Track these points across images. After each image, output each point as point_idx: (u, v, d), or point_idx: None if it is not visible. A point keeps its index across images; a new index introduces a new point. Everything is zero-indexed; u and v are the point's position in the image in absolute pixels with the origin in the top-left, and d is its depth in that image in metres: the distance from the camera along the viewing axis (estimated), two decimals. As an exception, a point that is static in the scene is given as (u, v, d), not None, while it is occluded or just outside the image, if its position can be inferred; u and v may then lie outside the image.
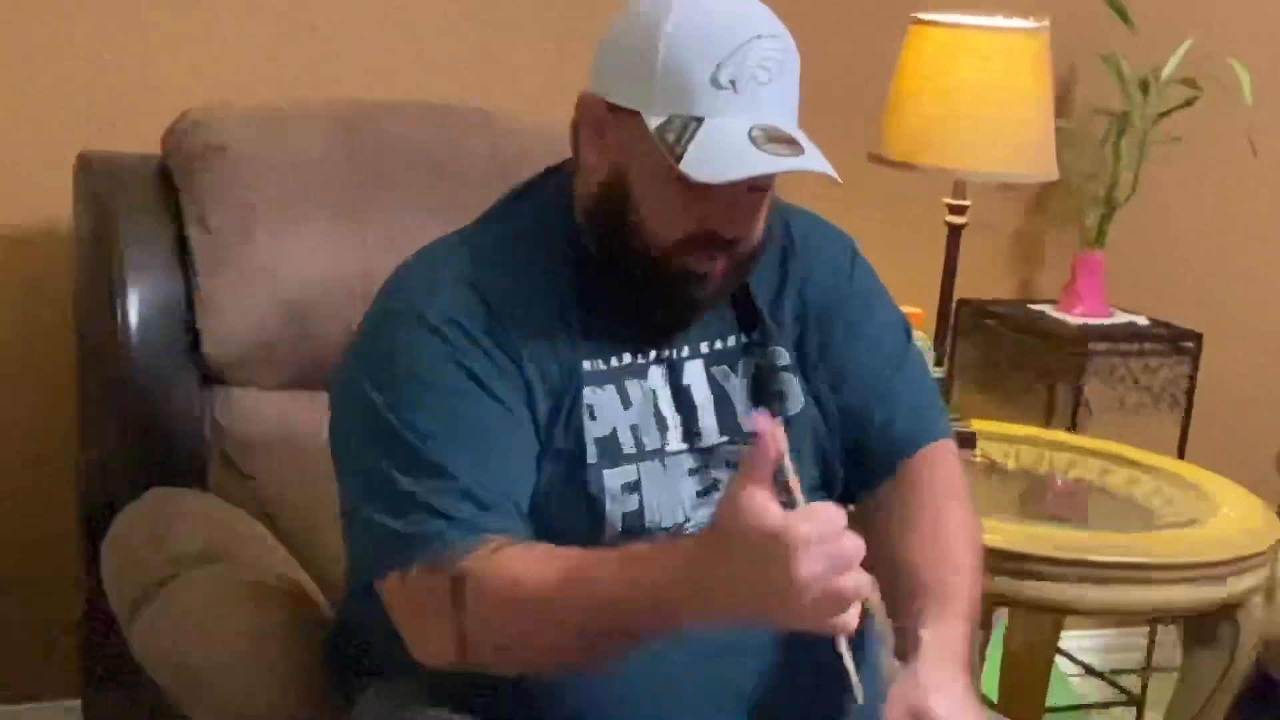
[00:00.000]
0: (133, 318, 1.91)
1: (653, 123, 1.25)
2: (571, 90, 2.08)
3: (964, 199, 2.50)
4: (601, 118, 1.32)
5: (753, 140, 1.22)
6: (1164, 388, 2.88)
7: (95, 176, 2.04)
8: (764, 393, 1.43)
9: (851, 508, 1.45)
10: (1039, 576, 2.02)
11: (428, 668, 1.30)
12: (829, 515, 1.04)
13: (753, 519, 1.02)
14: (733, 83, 1.24)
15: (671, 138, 1.23)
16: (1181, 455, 2.74)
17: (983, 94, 2.38)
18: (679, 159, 1.21)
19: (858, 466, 1.48)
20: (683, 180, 1.22)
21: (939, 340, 2.57)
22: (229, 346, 1.93)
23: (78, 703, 2.25)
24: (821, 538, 1.02)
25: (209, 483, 1.91)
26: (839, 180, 1.24)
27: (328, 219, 1.98)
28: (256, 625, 1.51)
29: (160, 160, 2.03)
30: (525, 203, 1.45)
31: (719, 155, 1.22)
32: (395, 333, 1.33)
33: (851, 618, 1.07)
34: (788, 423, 1.38)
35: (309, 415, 1.89)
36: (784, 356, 1.44)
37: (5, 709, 2.35)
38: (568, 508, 1.33)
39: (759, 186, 1.29)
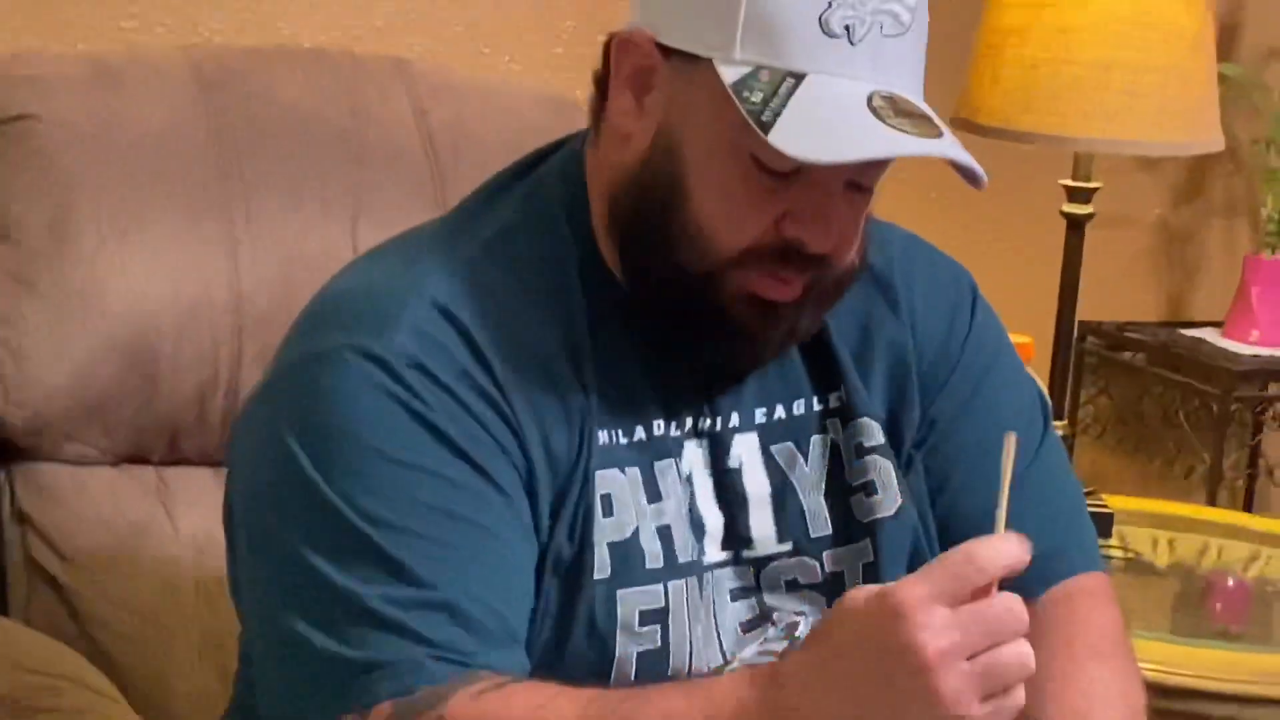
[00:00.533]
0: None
1: (730, 75, 1.24)
2: (516, 34, 2.01)
3: (1089, 181, 2.50)
4: (650, 66, 1.30)
5: (874, 111, 1.21)
6: None
7: None
8: (844, 483, 1.41)
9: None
10: (1201, 716, 2.03)
11: None
12: (1007, 597, 1.04)
13: (867, 593, 1.04)
14: (848, 29, 1.23)
15: (759, 98, 1.22)
16: None
17: (1112, 35, 2.38)
18: (767, 128, 1.19)
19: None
20: (760, 160, 1.23)
21: (1055, 380, 2.57)
22: (38, 407, 1.88)
23: None
24: (983, 618, 1.02)
25: (9, 601, 1.88)
26: (985, 181, 1.22)
27: (182, 219, 1.95)
28: None
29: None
30: (515, 195, 1.42)
31: (827, 127, 1.20)
32: (336, 379, 1.28)
33: None
34: (878, 526, 1.42)
35: (155, 501, 1.91)
36: (875, 433, 1.43)
37: None
38: (560, 640, 1.32)
39: (863, 185, 1.28)
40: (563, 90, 2.14)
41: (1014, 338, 1.67)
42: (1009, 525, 1.19)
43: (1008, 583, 1.27)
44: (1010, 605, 1.03)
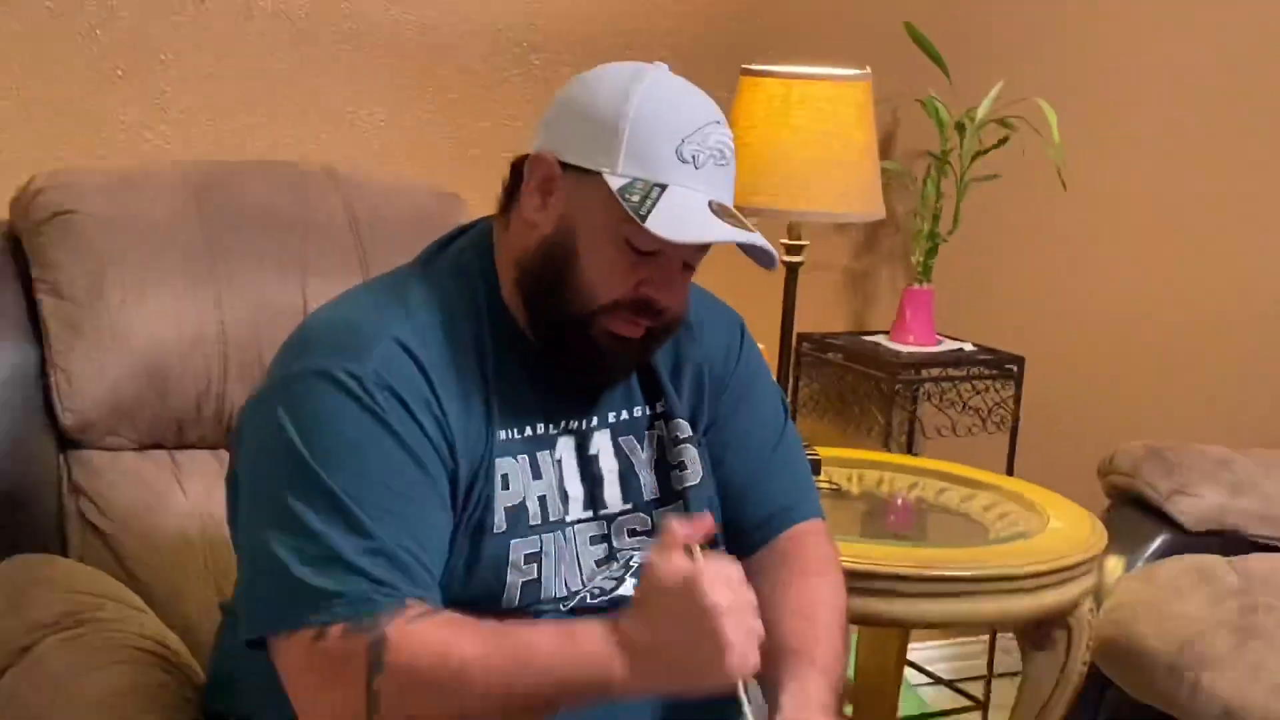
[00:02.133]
0: (-17, 386, 1.87)
1: (615, 183, 1.26)
2: (412, 148, 2.03)
3: (800, 239, 2.52)
4: (553, 176, 1.31)
5: (714, 211, 1.26)
6: (991, 409, 2.92)
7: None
8: (666, 464, 1.44)
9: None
10: (884, 594, 2.05)
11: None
12: (731, 564, 1.15)
13: (668, 569, 1.11)
14: (694, 158, 1.28)
15: (635, 199, 1.25)
16: (1011, 472, 2.78)
17: (811, 140, 2.40)
18: (644, 219, 1.23)
19: (734, 536, 1.48)
20: (631, 242, 1.26)
21: (781, 373, 2.58)
22: (85, 411, 1.85)
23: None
24: (728, 579, 1.12)
25: (69, 547, 1.84)
26: (780, 264, 1.29)
27: (181, 280, 1.91)
28: (121, 688, 1.44)
29: (7, 227, 1.97)
30: (440, 267, 1.42)
31: (685, 219, 1.25)
32: (325, 391, 1.28)
33: (755, 657, 1.14)
34: (688, 492, 1.44)
35: (170, 475, 1.89)
36: (685, 429, 1.45)
37: None
38: (470, 574, 1.32)
39: (690, 264, 1.33)
40: (447, 188, 2.11)
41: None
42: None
43: (767, 523, 1.50)
44: (738, 572, 1.15)
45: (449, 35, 2.45)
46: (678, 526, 1.16)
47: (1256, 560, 2.49)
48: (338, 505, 1.22)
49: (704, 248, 1.32)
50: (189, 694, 1.46)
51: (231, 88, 2.35)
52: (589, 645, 1.15)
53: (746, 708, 1.18)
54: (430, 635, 1.18)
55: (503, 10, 2.47)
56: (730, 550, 1.45)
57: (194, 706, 1.45)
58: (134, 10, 2.27)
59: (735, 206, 2.37)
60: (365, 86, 2.43)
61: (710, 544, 1.41)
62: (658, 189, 1.25)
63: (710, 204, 1.27)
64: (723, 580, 1.12)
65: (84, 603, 1.62)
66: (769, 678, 1.30)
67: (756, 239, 1.28)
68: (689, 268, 1.34)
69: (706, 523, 1.20)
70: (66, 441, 1.87)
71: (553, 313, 1.33)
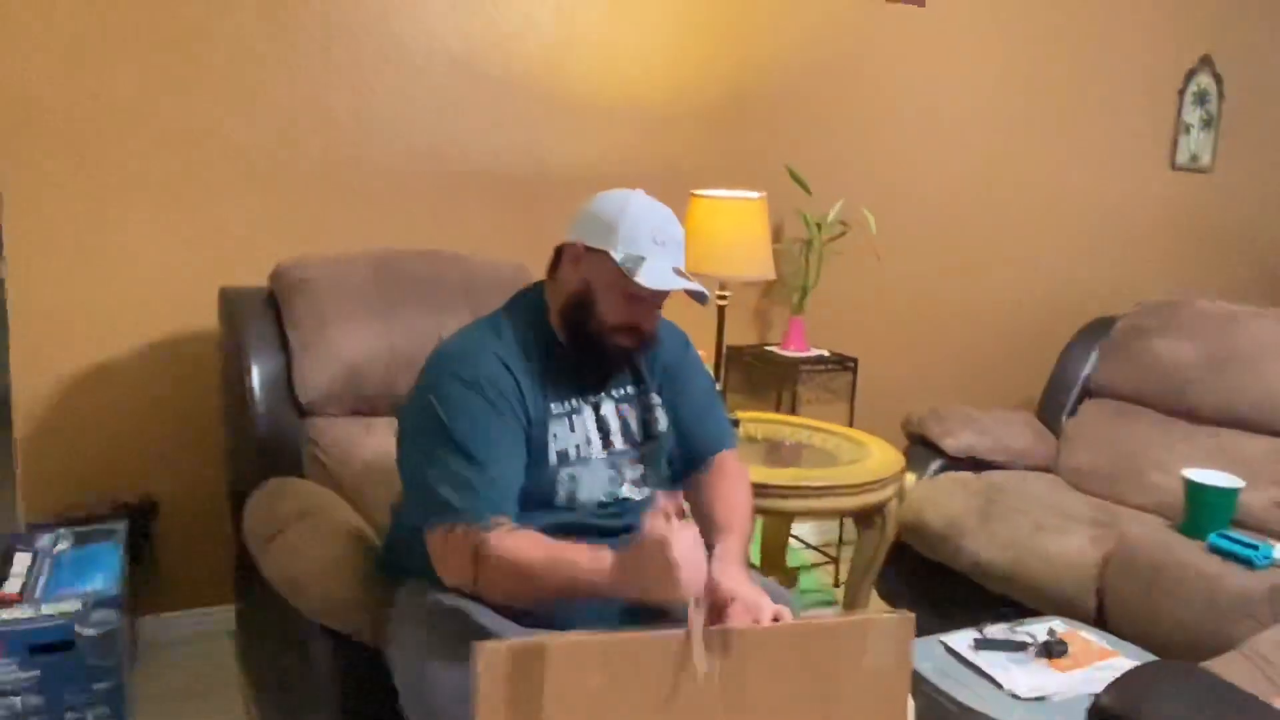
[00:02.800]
0: (256, 380, 1.88)
1: (617, 256, 1.30)
2: (506, 243, 2.03)
3: (726, 291, 2.53)
4: (580, 253, 1.34)
5: (675, 272, 1.31)
6: (840, 389, 2.93)
7: (230, 301, 2.00)
8: (646, 419, 1.44)
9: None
10: (776, 497, 2.05)
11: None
12: (690, 532, 1.10)
13: (653, 529, 1.09)
14: (663, 244, 1.31)
15: (630, 266, 1.29)
16: (851, 424, 2.77)
17: (732, 234, 2.41)
18: (634, 275, 1.28)
19: (685, 461, 1.48)
20: (628, 290, 1.29)
21: (716, 369, 2.59)
22: (314, 394, 1.89)
23: (231, 606, 2.20)
24: (687, 541, 1.09)
25: (304, 472, 1.87)
26: (715, 303, 1.32)
27: (366, 319, 1.93)
28: (334, 552, 1.49)
29: (268, 289, 2.00)
30: (516, 309, 1.42)
31: (659, 277, 1.29)
32: (456, 385, 1.30)
33: (699, 588, 1.10)
34: (659, 435, 1.44)
35: (362, 430, 1.89)
36: (655, 400, 1.45)
37: (186, 615, 2.29)
38: (536, 489, 1.32)
39: (657, 304, 1.35)
40: (518, 261, 2.12)
41: (700, 351, 1.73)
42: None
43: (705, 450, 1.47)
44: (694, 534, 1.11)
45: (510, 177, 2.46)
46: (664, 502, 1.13)
47: (991, 474, 2.49)
48: (465, 451, 1.25)
49: (666, 294, 1.32)
50: (373, 559, 1.49)
51: (399, 208, 2.36)
52: (602, 566, 1.15)
53: (693, 613, 1.11)
54: (510, 546, 1.20)
55: (546, 163, 2.49)
56: (684, 467, 1.48)
57: (375, 567, 1.47)
58: (349, 149, 2.29)
59: (688, 270, 2.42)
60: (476, 205, 2.43)
61: (671, 471, 1.48)
62: (641, 259, 1.29)
63: (673, 267, 1.31)
64: (684, 542, 1.10)
65: (314, 504, 1.67)
66: (707, 542, 1.24)
67: (698, 286, 1.32)
68: (658, 306, 1.36)
69: (678, 501, 1.14)
70: (303, 412, 1.89)
71: (582, 333, 1.35)
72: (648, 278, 1.28)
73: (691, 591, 1.10)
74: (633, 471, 1.41)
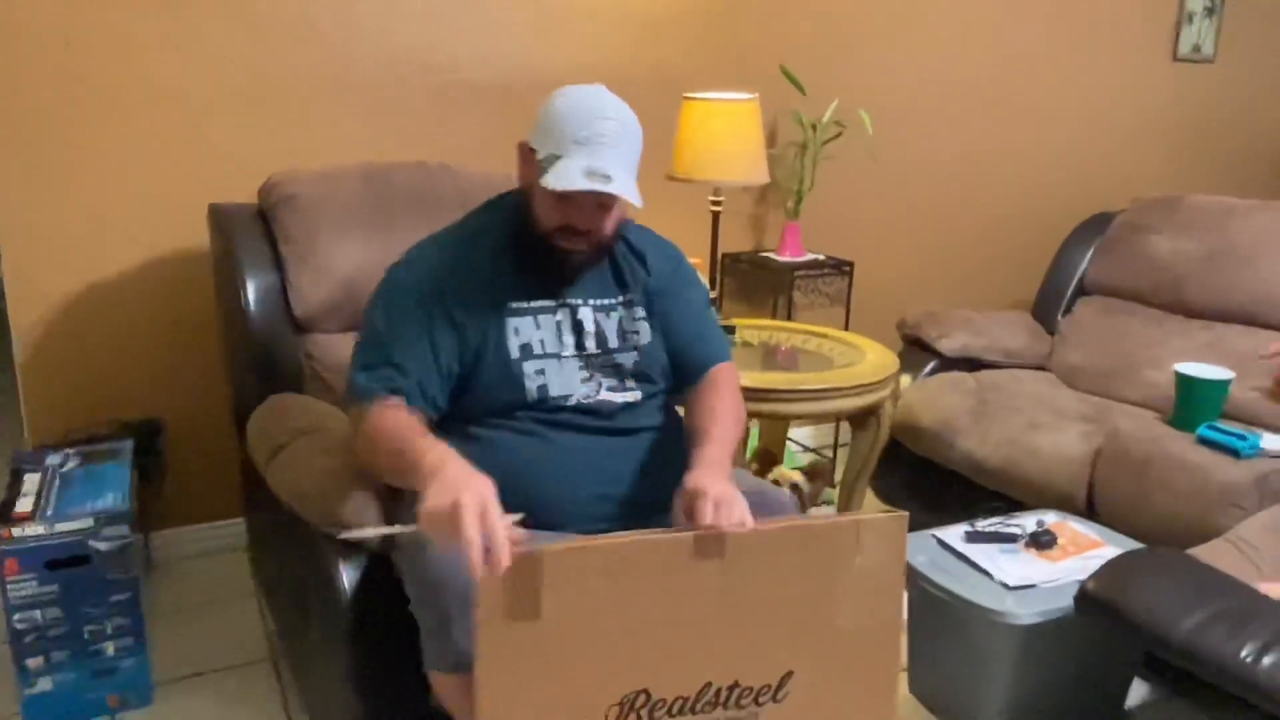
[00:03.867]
0: (252, 298, 1.87)
1: (539, 156, 1.28)
2: (497, 153, 2.02)
3: (720, 197, 2.51)
4: (525, 153, 1.33)
5: (582, 172, 1.23)
6: (835, 293, 2.93)
7: (221, 218, 1.98)
8: (625, 328, 1.42)
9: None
10: (775, 400, 2.06)
11: None
12: (503, 534, 0.98)
13: (462, 499, 0.99)
14: (584, 141, 1.25)
15: (545, 165, 1.26)
16: (846, 328, 2.77)
17: (725, 137, 2.37)
18: (542, 178, 1.24)
19: (680, 374, 1.46)
20: (546, 188, 1.24)
21: (712, 277, 2.58)
22: (310, 310, 1.89)
23: (241, 520, 2.24)
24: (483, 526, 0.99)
25: (304, 389, 1.87)
26: (638, 203, 1.26)
27: (359, 233, 1.92)
28: (334, 465, 1.48)
29: (258, 206, 1.98)
30: (492, 208, 1.45)
31: (567, 177, 1.23)
32: (386, 284, 1.37)
33: (478, 567, 0.97)
34: (642, 345, 1.42)
35: (350, 343, 1.88)
36: (640, 310, 1.44)
37: (197, 529, 2.33)
38: (502, 385, 1.34)
39: (603, 204, 1.30)
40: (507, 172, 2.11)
41: (694, 259, 1.70)
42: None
43: (700, 363, 1.45)
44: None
45: (499, 85, 2.42)
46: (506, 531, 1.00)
47: (985, 374, 2.50)
48: (376, 340, 1.32)
49: (605, 196, 1.28)
50: None
51: (388, 120, 2.33)
52: (427, 466, 1.09)
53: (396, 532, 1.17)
54: (375, 418, 1.25)
55: (536, 70, 2.45)
56: (678, 380, 1.47)
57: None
58: (335, 61, 2.24)
59: (680, 177, 2.35)
60: (464, 118, 2.40)
61: (664, 385, 1.45)
62: (557, 158, 1.25)
63: (584, 167, 1.23)
64: (477, 526, 0.98)
65: (317, 418, 1.67)
66: (691, 445, 1.29)
67: (605, 188, 1.22)
68: (604, 207, 1.31)
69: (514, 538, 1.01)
70: (299, 327, 1.89)
71: (532, 236, 1.35)
72: (555, 178, 1.23)
73: (468, 561, 0.99)
74: (610, 377, 1.40)
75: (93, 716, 1.73)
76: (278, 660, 1.91)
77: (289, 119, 2.22)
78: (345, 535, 1.18)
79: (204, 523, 2.32)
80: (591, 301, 1.41)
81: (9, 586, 1.64)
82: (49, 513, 1.69)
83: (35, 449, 2.01)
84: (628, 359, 1.41)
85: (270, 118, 2.20)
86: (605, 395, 1.38)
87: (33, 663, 1.68)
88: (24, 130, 2.00)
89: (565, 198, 1.28)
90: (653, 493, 1.31)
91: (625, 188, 1.24)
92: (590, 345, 1.39)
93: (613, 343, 1.40)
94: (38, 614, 1.67)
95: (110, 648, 1.73)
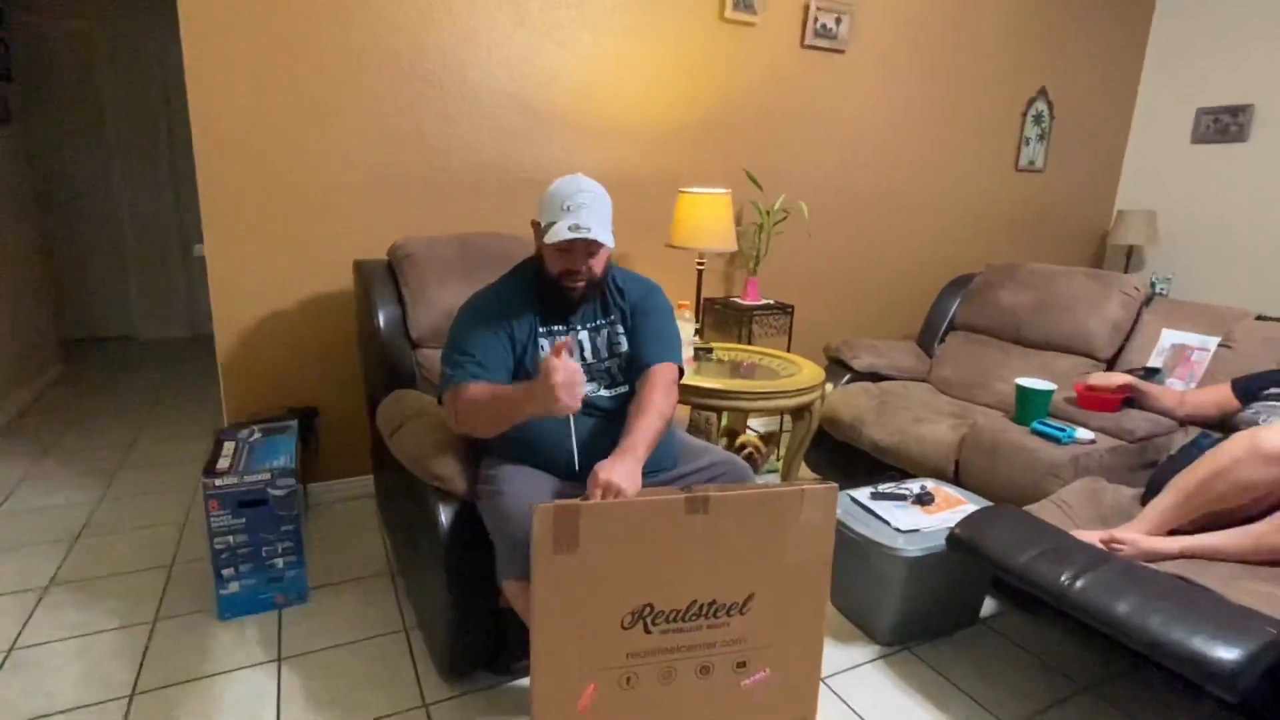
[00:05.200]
0: (382, 323, 1.87)
1: (542, 224, 1.27)
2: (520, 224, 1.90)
3: (703, 259, 2.50)
4: (535, 226, 1.31)
5: (569, 229, 1.23)
6: (781, 326, 2.84)
7: (361, 268, 1.98)
8: (611, 341, 1.39)
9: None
10: (738, 399, 2.01)
11: (509, 445, 1.30)
12: (571, 365, 1.10)
13: (545, 362, 1.10)
14: (569, 209, 1.24)
15: (545, 229, 1.25)
16: (789, 351, 2.74)
17: (707, 218, 2.35)
18: (544, 236, 1.25)
19: (631, 369, 1.39)
20: (553, 246, 1.25)
21: (697, 313, 2.55)
22: (421, 332, 1.88)
23: (370, 476, 2.23)
24: (565, 370, 1.08)
25: (417, 387, 1.86)
26: (611, 244, 1.24)
27: (454, 281, 1.92)
28: (442, 437, 1.48)
29: (386, 261, 1.98)
30: (524, 266, 1.40)
31: (557, 234, 1.23)
32: (464, 310, 1.34)
33: (576, 404, 1.09)
34: (623, 354, 1.38)
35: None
36: (620, 329, 1.40)
37: (341, 482, 2.31)
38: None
39: (587, 250, 1.27)
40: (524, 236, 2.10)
41: (683, 302, 1.68)
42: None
43: (644, 363, 1.34)
44: (574, 365, 1.10)
45: (551, 180, 2.41)
46: (556, 343, 1.13)
47: (885, 384, 2.44)
48: (460, 345, 1.29)
49: (591, 245, 1.25)
50: (469, 443, 1.44)
51: (475, 204, 2.29)
52: (519, 395, 1.15)
53: (571, 427, 1.18)
54: (474, 390, 1.23)
55: (577, 169, 2.41)
56: (630, 373, 1.37)
57: (470, 449, 1.43)
58: (439, 163, 2.23)
59: (676, 246, 2.30)
60: (525, 203, 2.36)
61: (624, 377, 1.38)
62: (552, 223, 1.24)
63: (570, 225, 1.22)
64: (561, 371, 1.08)
65: (425, 406, 1.66)
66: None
67: (581, 234, 1.20)
68: (590, 253, 1.27)
69: (568, 343, 1.16)
70: (414, 344, 1.88)
71: (547, 280, 1.32)
72: (550, 235, 1.23)
73: (565, 406, 1.09)
74: (603, 378, 1.37)
75: (265, 609, 1.74)
76: (394, 574, 1.91)
77: (408, 202, 2.22)
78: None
79: (345, 478, 2.31)
80: (588, 325, 1.38)
81: (212, 519, 1.65)
82: (240, 468, 1.69)
83: (230, 426, 2.02)
84: (614, 364, 1.38)
85: (395, 202, 2.20)
86: (602, 393, 1.37)
87: (226, 572, 1.69)
88: (229, 209, 2.02)
89: (562, 248, 1.28)
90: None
91: (600, 234, 1.23)
92: (588, 357, 1.37)
93: (603, 354, 1.38)
94: (230, 538, 1.68)
95: (279, 562, 1.73)
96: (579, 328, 1.37)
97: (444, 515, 1.36)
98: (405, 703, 1.42)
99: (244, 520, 1.68)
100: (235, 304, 2.08)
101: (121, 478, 2.35)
